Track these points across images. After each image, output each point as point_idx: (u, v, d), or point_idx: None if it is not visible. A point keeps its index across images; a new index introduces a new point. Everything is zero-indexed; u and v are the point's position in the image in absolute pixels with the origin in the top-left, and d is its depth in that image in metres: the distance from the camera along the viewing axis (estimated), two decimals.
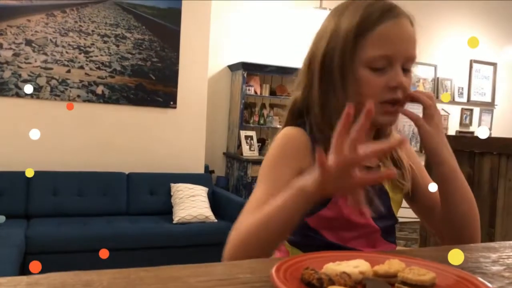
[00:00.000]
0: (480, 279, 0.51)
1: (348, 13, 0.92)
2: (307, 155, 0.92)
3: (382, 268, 0.53)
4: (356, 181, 0.69)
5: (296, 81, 1.00)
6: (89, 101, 3.98)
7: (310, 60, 0.97)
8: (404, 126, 5.49)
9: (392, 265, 0.53)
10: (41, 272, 0.50)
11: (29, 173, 3.27)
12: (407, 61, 0.91)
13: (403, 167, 1.01)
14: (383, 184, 1.00)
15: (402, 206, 1.08)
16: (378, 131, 1.04)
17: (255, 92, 4.97)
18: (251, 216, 0.83)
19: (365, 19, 0.89)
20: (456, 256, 0.58)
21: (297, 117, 0.99)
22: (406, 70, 0.92)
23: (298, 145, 0.93)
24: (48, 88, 3.85)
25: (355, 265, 0.53)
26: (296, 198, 0.76)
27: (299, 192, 0.75)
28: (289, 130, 0.96)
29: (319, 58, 0.94)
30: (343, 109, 0.90)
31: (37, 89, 3.81)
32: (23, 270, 3.01)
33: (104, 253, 2.70)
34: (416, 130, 1.11)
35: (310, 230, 0.95)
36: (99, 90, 4.01)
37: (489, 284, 0.49)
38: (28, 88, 3.47)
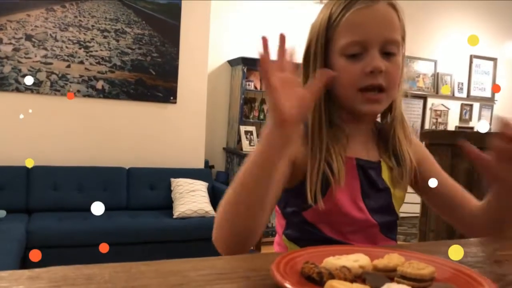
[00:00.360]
0: (478, 273, 0.51)
1: (324, 7, 0.95)
2: (301, 144, 0.92)
3: (381, 262, 0.54)
4: (302, 92, 0.71)
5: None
6: (89, 96, 3.98)
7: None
8: None
9: (392, 259, 0.54)
10: (42, 266, 0.51)
11: (29, 164, 3.27)
12: (386, 45, 0.89)
13: (404, 164, 0.99)
14: (384, 180, 0.99)
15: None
16: (381, 131, 1.02)
17: (255, 87, 4.96)
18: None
19: (335, 10, 0.91)
20: (456, 251, 0.59)
21: None
22: (390, 54, 0.90)
23: None
24: (48, 83, 3.84)
25: (355, 259, 0.54)
26: (267, 142, 0.73)
27: (267, 135, 0.73)
28: None
29: (303, 53, 0.97)
30: (322, 101, 0.92)
31: (37, 84, 3.80)
32: (24, 265, 3.02)
33: (104, 247, 2.70)
34: (415, 125, 1.09)
35: (307, 224, 0.95)
36: (99, 85, 4.01)
37: (487, 278, 0.49)
38: (29, 80, 3.46)
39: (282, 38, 0.72)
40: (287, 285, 0.45)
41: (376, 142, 1.02)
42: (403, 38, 0.95)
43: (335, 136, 0.94)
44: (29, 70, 3.77)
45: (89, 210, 3.64)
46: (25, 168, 3.65)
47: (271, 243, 4.31)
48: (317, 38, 0.94)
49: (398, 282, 0.49)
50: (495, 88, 4.66)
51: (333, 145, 0.92)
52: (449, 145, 1.04)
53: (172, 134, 4.32)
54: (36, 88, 3.80)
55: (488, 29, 6.51)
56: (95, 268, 0.51)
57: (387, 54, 0.89)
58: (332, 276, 0.49)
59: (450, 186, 1.03)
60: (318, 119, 0.93)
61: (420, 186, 1.04)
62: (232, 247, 0.78)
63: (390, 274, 0.52)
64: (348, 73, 0.89)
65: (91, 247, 3.28)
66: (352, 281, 0.49)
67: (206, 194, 3.95)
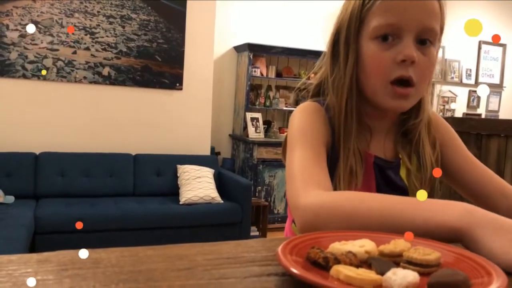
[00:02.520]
0: (485, 259, 0.51)
1: None
2: (328, 128, 0.89)
3: (387, 247, 0.54)
4: None
5: (319, 63, 0.97)
6: (95, 82, 3.99)
7: (328, 41, 0.93)
8: None
9: (398, 244, 0.54)
10: (50, 250, 0.51)
11: (79, 226, 3.28)
12: (422, 33, 0.81)
13: (424, 172, 0.92)
14: (402, 178, 0.93)
15: None
16: (406, 130, 0.95)
17: (261, 74, 4.94)
18: (357, 197, 0.71)
19: None
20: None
21: (315, 95, 0.97)
22: (425, 45, 0.82)
23: (320, 115, 0.89)
24: (55, 70, 3.85)
25: (361, 245, 0.54)
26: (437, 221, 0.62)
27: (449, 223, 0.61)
28: (310, 103, 0.92)
29: (331, 37, 0.91)
30: (347, 85, 0.87)
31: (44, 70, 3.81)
32: (33, 250, 3.06)
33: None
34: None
35: None
36: (105, 71, 4.01)
37: (493, 263, 0.49)
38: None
39: None
40: (293, 270, 0.45)
41: (395, 138, 0.96)
42: (442, 30, 0.86)
43: (358, 130, 0.89)
44: (35, 57, 3.77)
45: (96, 196, 3.70)
46: (33, 154, 3.68)
47: (277, 229, 4.35)
48: (349, 21, 0.86)
49: (404, 268, 0.49)
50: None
51: (357, 141, 0.88)
52: (456, 132, 1.02)
53: (178, 121, 4.32)
54: (42, 75, 3.81)
55: (497, 15, 6.42)
56: (102, 252, 0.51)
57: (422, 44, 0.82)
58: (338, 261, 0.49)
59: (479, 172, 0.96)
60: (350, 111, 0.88)
61: (444, 171, 0.98)
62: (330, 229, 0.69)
63: (396, 259, 0.52)
64: (377, 61, 0.83)
65: (98, 232, 3.32)
66: (358, 266, 0.49)
67: (212, 181, 3.96)
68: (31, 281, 0.42)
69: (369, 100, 0.89)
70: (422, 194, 0.84)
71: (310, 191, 0.74)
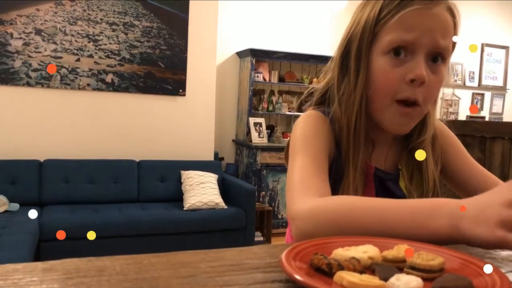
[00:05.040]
0: (489, 263, 0.51)
1: (373, 2, 0.86)
2: (332, 139, 0.88)
3: (391, 253, 0.54)
4: None
5: (325, 69, 0.96)
6: (98, 89, 4.00)
7: (337, 50, 0.92)
8: None
9: (401, 250, 0.53)
10: (55, 258, 0.52)
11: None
12: (435, 51, 0.80)
13: (426, 189, 0.92)
14: (401, 188, 0.93)
15: None
16: (410, 146, 0.94)
17: (264, 79, 4.95)
18: (347, 200, 0.72)
19: (387, 5, 0.82)
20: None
21: (319, 103, 0.96)
22: (436, 63, 0.82)
23: (324, 126, 0.88)
24: (58, 77, 3.87)
25: (364, 251, 0.54)
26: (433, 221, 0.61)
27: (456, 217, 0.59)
28: (315, 112, 0.91)
29: (341, 47, 0.90)
30: (357, 101, 0.86)
31: (47, 78, 3.83)
32: (38, 257, 3.07)
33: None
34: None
35: None
36: (109, 78, 4.03)
37: (497, 268, 0.49)
38: None
39: None
40: (296, 276, 0.45)
41: (398, 150, 0.96)
42: (453, 47, 0.87)
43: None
44: (39, 65, 3.79)
45: (100, 202, 3.71)
46: (37, 161, 3.70)
47: (282, 234, 4.37)
48: (362, 34, 0.84)
49: (408, 273, 0.49)
50: None
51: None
52: (460, 135, 1.02)
53: (181, 127, 4.33)
54: (46, 82, 3.83)
55: (500, 16, 6.42)
56: (107, 260, 0.52)
57: (433, 62, 0.82)
58: (341, 267, 0.49)
59: (482, 178, 0.95)
60: (359, 129, 0.87)
61: (447, 177, 0.98)
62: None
63: (400, 265, 0.52)
64: (386, 77, 0.82)
65: (102, 239, 3.32)
66: (361, 272, 0.49)
67: (216, 186, 3.96)
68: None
69: (372, 114, 0.88)
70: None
71: (306, 199, 0.73)
